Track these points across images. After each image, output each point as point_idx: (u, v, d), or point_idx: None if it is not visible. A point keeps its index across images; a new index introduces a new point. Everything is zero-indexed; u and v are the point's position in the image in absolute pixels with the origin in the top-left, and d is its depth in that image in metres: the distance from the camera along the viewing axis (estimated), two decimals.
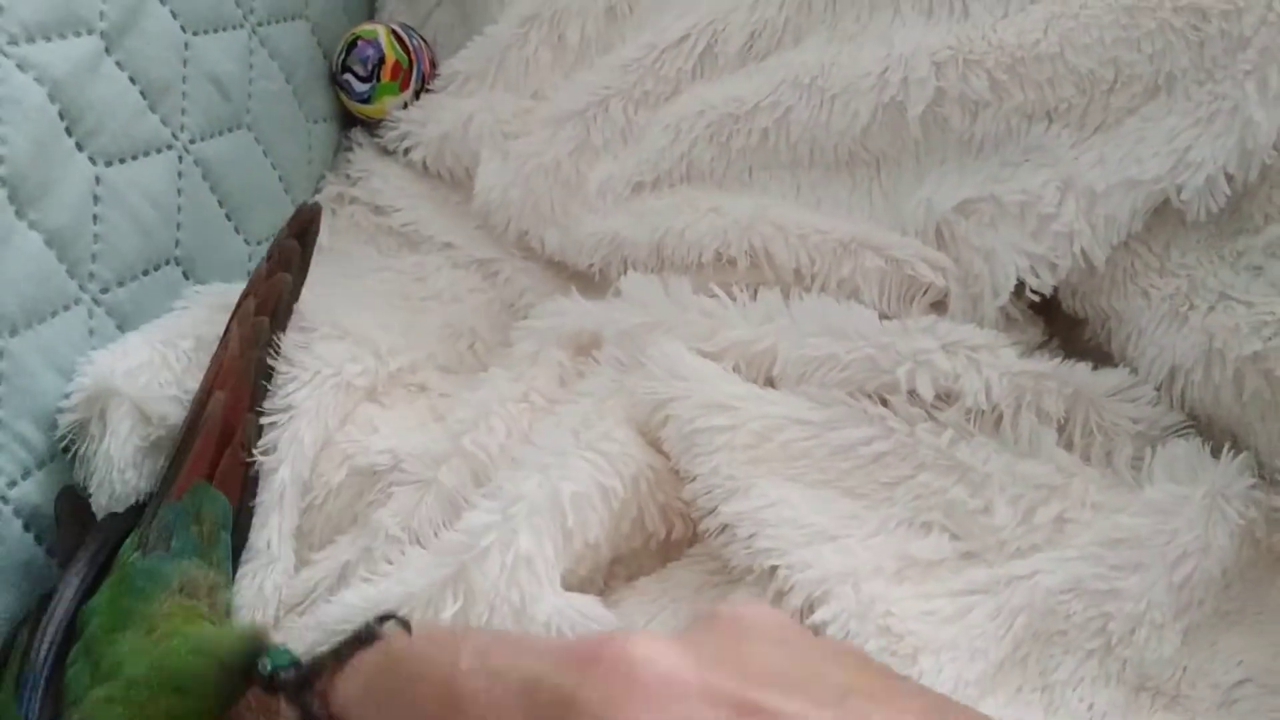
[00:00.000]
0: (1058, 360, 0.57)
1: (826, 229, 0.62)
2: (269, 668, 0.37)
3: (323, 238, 0.74)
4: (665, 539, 0.55)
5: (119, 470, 0.51)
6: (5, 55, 0.53)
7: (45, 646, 0.44)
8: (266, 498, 0.52)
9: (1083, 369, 0.57)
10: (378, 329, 0.61)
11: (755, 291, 0.61)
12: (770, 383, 0.57)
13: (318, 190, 0.78)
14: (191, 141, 0.65)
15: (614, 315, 0.61)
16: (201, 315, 0.59)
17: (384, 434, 0.57)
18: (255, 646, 0.39)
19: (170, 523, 0.48)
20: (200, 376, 0.55)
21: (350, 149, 0.81)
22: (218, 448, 0.52)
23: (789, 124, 0.63)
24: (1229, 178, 0.54)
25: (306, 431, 0.54)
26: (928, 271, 0.59)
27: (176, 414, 0.53)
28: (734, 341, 0.57)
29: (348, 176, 0.79)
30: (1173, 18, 0.55)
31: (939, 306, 0.60)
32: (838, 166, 0.64)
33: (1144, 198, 0.56)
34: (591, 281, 0.69)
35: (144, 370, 0.54)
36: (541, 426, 0.55)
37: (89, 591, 0.46)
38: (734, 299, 0.60)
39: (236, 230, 0.68)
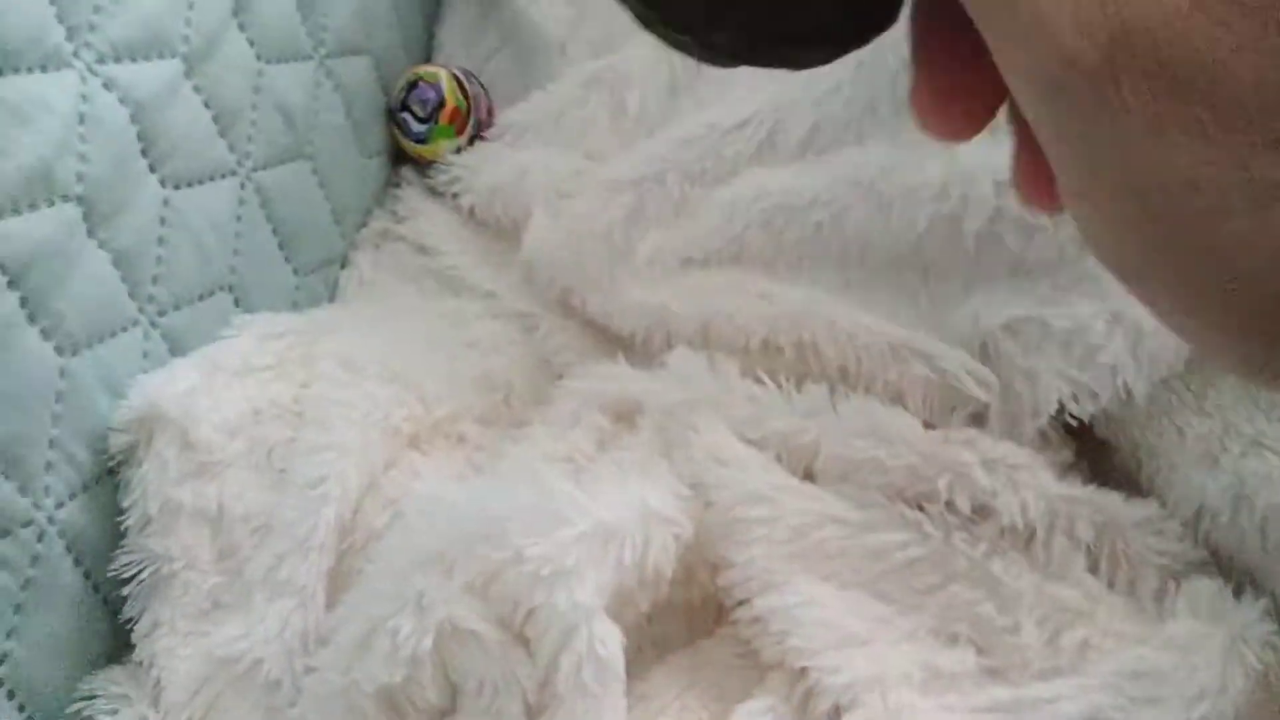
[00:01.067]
0: (1091, 486, 0.58)
1: (877, 330, 0.63)
2: None
3: (365, 272, 0.75)
4: (693, 605, 0.56)
5: (157, 493, 0.51)
6: (94, 74, 0.54)
7: None
8: (307, 536, 0.52)
9: (1115, 498, 0.57)
10: (424, 374, 0.61)
11: (800, 383, 0.62)
12: (810, 476, 0.58)
13: (364, 225, 0.78)
14: (254, 169, 0.65)
15: (658, 388, 0.61)
16: (249, 344, 0.59)
17: (427, 481, 0.57)
18: None
19: None
20: (243, 407, 0.55)
21: (399, 186, 0.82)
22: None
23: (845, 222, 0.64)
24: None
25: (353, 473, 0.54)
26: (973, 387, 0.60)
27: (219, 441, 0.53)
28: (778, 432, 0.58)
29: (394, 213, 0.80)
30: None
31: (978, 418, 0.61)
32: (888, 268, 0.65)
33: None
34: (630, 347, 0.70)
35: (190, 395, 0.54)
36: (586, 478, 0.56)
37: None
38: (780, 387, 0.61)
39: (287, 260, 0.68)
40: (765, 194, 0.67)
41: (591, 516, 0.48)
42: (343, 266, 0.76)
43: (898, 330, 0.62)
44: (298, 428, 0.56)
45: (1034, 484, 0.56)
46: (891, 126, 0.66)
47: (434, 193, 0.80)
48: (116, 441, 0.52)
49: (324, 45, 0.73)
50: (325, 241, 0.73)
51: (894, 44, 0.64)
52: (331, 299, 0.74)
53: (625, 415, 0.62)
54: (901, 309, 0.65)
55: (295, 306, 0.68)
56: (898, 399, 0.61)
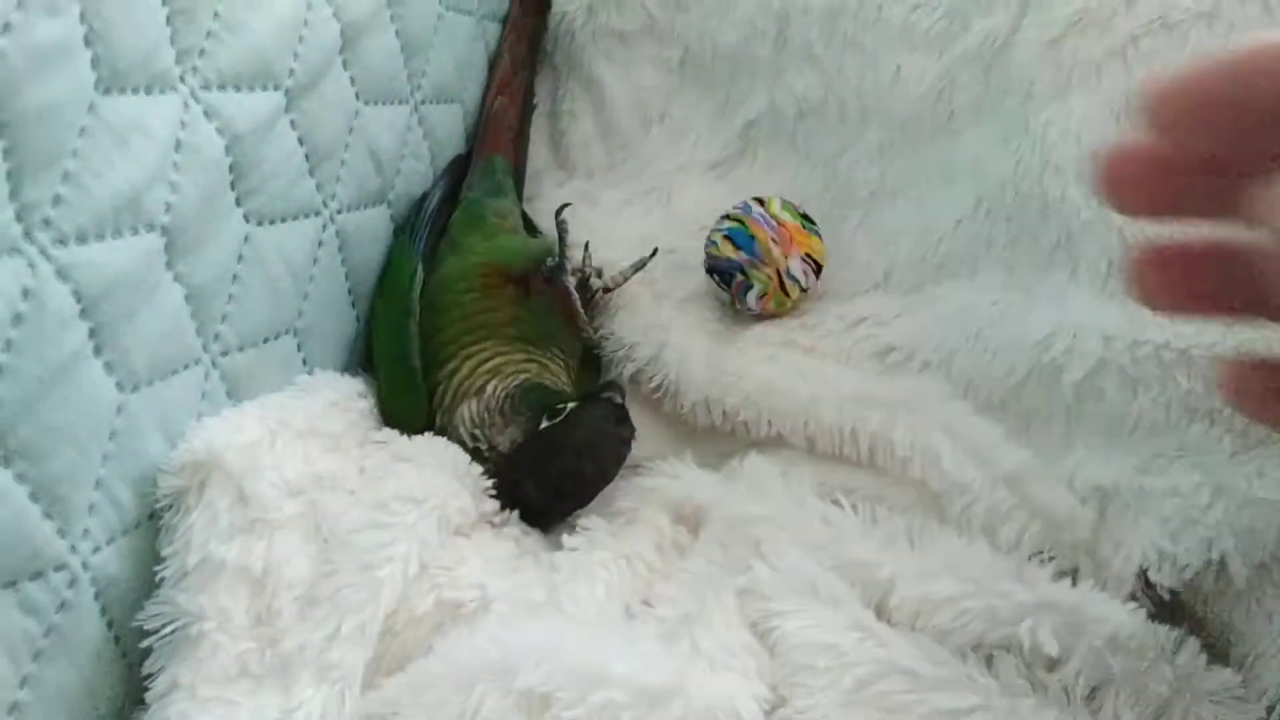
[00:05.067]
0: (1171, 642, 0.55)
1: (995, 459, 0.60)
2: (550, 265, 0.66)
3: None
4: None
5: (200, 545, 0.48)
6: (197, 100, 0.52)
7: (429, 210, 0.71)
8: (368, 621, 0.49)
9: (1196, 661, 0.54)
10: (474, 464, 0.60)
11: (875, 508, 0.59)
12: (880, 611, 0.55)
13: None
14: (339, 211, 0.63)
15: (726, 496, 0.59)
16: (317, 407, 0.57)
17: (473, 566, 0.54)
18: (549, 253, 0.67)
19: (479, 175, 0.76)
20: (303, 469, 0.53)
21: None
22: (502, 133, 0.79)
23: (951, 365, 0.64)
24: None
25: (414, 558, 0.51)
26: (1072, 532, 0.57)
27: (276, 500, 0.50)
28: (852, 563, 0.55)
29: None
30: None
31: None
32: (990, 411, 0.63)
33: None
34: (706, 441, 0.67)
35: (254, 449, 0.51)
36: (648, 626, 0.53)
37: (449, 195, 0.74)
38: (856, 510, 0.58)
39: (353, 305, 0.66)
40: (880, 328, 0.66)
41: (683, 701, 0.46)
42: None
43: (1010, 459, 0.59)
44: (352, 504, 0.53)
45: (1111, 636, 0.53)
46: (1007, 260, 0.64)
47: None
48: (166, 484, 0.49)
49: (420, 90, 0.72)
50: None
51: (1015, 180, 0.63)
52: None
53: (686, 519, 0.60)
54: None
55: (353, 355, 0.66)
56: (987, 534, 0.58)
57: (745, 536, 0.57)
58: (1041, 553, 0.58)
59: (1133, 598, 0.57)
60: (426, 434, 0.61)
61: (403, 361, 0.63)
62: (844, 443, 0.63)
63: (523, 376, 0.62)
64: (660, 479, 0.61)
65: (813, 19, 0.74)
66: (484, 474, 0.60)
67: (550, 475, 0.59)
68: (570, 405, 0.59)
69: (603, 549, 0.57)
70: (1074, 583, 0.57)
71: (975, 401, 0.63)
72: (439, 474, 0.56)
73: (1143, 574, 0.57)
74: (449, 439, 0.61)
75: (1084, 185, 0.62)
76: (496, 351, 0.63)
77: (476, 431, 0.61)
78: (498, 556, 0.56)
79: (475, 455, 0.60)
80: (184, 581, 0.48)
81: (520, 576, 0.55)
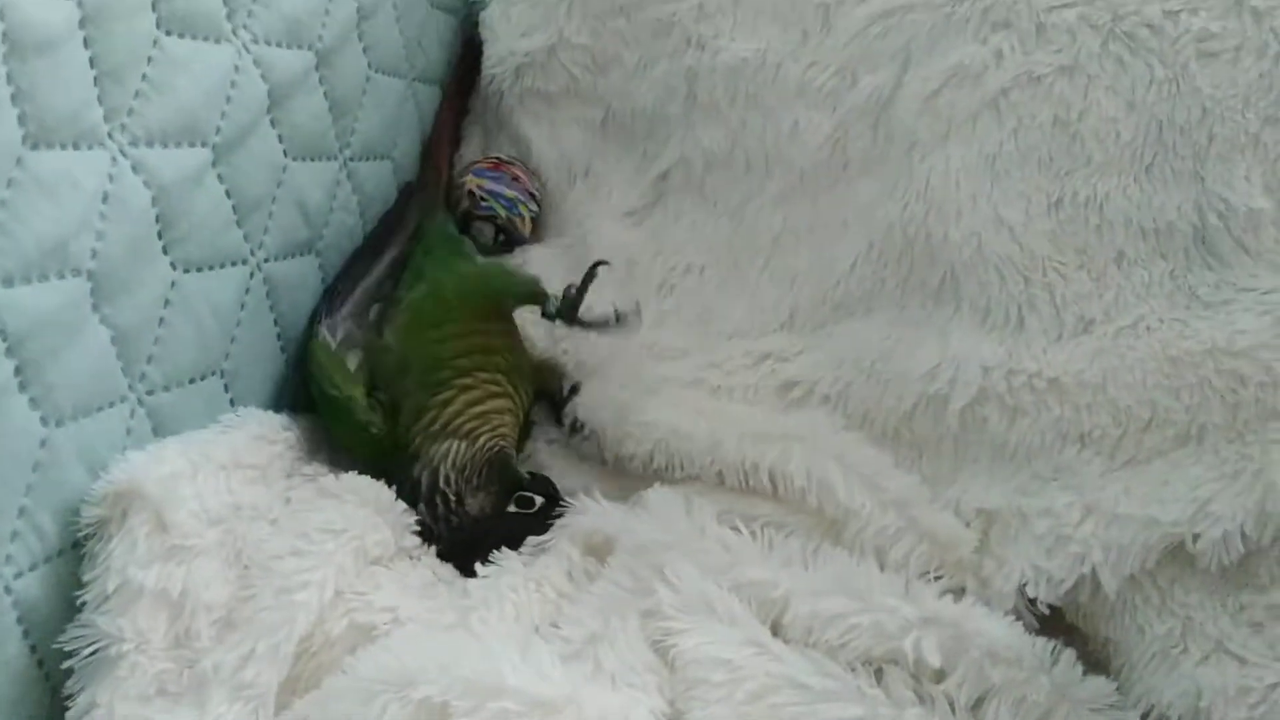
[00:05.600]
0: (1049, 654, 0.58)
1: (880, 484, 0.64)
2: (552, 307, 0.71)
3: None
4: None
5: (119, 570, 0.51)
6: (125, 155, 0.55)
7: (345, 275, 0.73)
8: (281, 642, 0.51)
9: (1073, 672, 0.57)
10: (398, 504, 0.63)
11: (775, 534, 0.62)
12: (777, 628, 0.58)
13: None
14: (266, 260, 0.67)
15: (633, 525, 0.62)
16: (241, 441, 0.59)
17: (388, 592, 0.57)
18: (531, 288, 0.72)
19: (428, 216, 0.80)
20: (227, 497, 0.56)
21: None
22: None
23: (848, 398, 0.69)
24: (1245, 536, 0.56)
25: (329, 584, 0.54)
26: (954, 554, 0.61)
27: (195, 528, 0.53)
28: (750, 582, 0.58)
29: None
30: (1214, 376, 0.59)
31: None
32: (885, 440, 0.67)
33: (1159, 537, 0.58)
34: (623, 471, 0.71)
35: (174, 480, 0.54)
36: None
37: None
38: (755, 536, 0.62)
39: (282, 350, 0.69)
40: (781, 365, 0.71)
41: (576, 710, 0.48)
42: None
43: (897, 485, 0.63)
44: (273, 533, 0.56)
45: (991, 649, 0.56)
46: (898, 299, 0.69)
47: None
48: (89, 514, 0.52)
49: (349, 147, 0.75)
50: None
51: (903, 224, 0.68)
52: None
53: (595, 550, 0.63)
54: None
55: (282, 397, 0.69)
56: (878, 555, 0.62)
57: (650, 563, 0.60)
58: (928, 572, 0.61)
59: (1016, 614, 0.60)
60: (353, 472, 0.64)
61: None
62: (747, 476, 0.66)
63: (503, 443, 0.66)
64: (570, 514, 0.64)
65: (718, 78, 0.79)
66: (409, 511, 0.63)
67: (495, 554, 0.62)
68: (538, 501, 0.65)
69: (513, 574, 0.59)
70: (958, 600, 0.60)
71: (870, 432, 0.67)
72: (361, 508, 0.60)
73: (1023, 590, 0.60)
74: (415, 458, 0.64)
75: (964, 227, 0.67)
76: (488, 390, 0.67)
77: (453, 475, 0.64)
78: (412, 584, 0.59)
79: (430, 490, 0.63)
80: (104, 605, 0.51)
81: (433, 602, 0.58)
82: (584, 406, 0.72)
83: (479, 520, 0.63)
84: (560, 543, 0.62)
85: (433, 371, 0.67)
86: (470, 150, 0.91)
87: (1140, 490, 0.59)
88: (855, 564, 0.61)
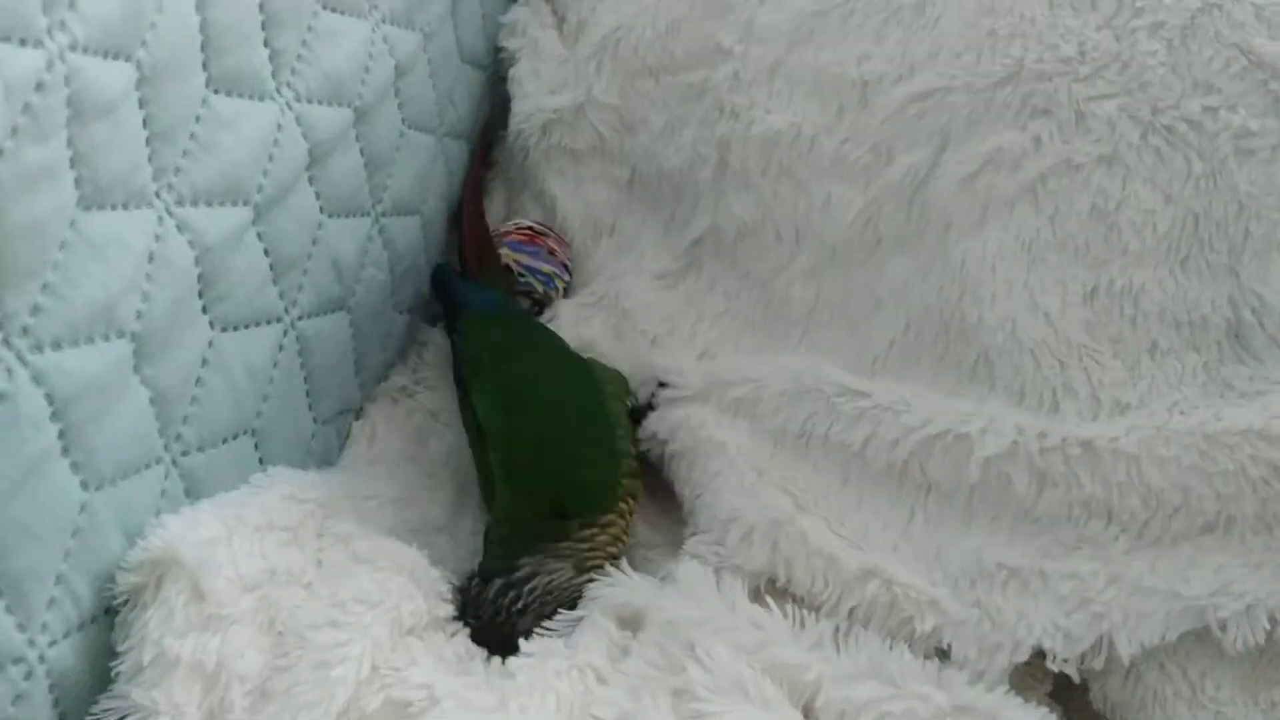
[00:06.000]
0: None
1: (844, 560, 0.64)
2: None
3: (378, 428, 0.76)
4: None
5: (155, 641, 0.50)
6: (170, 215, 0.55)
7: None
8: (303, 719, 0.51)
9: None
10: (432, 570, 0.62)
11: (801, 614, 0.62)
12: (808, 712, 0.57)
13: (384, 378, 0.79)
14: (299, 318, 0.66)
15: (662, 600, 0.61)
16: (272, 502, 0.59)
17: (423, 667, 0.56)
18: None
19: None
20: (261, 562, 0.55)
21: (425, 345, 0.83)
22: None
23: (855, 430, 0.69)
24: (1272, 619, 0.57)
25: (366, 659, 0.53)
26: (930, 619, 0.62)
27: (229, 596, 0.52)
28: (781, 664, 0.58)
29: (414, 371, 0.81)
30: (1249, 463, 0.59)
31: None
32: (889, 476, 0.67)
33: (1181, 610, 0.58)
34: None
35: (210, 546, 0.53)
36: None
37: None
38: (786, 615, 0.61)
39: (310, 408, 0.69)
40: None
41: None
42: (356, 417, 0.76)
43: (868, 555, 0.64)
44: (308, 598, 0.55)
45: None
46: (931, 376, 0.70)
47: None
48: (125, 581, 0.51)
49: (381, 203, 0.75)
50: (346, 391, 0.73)
51: (938, 305, 0.68)
52: (341, 448, 0.74)
53: (628, 623, 0.62)
54: (894, 521, 0.66)
55: (310, 454, 0.68)
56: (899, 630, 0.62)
57: (680, 639, 0.59)
58: (946, 649, 0.61)
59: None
60: (387, 537, 0.63)
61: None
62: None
63: (596, 577, 0.64)
64: (602, 586, 0.63)
65: (751, 148, 0.79)
66: (443, 578, 0.63)
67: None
68: None
69: (558, 658, 0.58)
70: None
71: (876, 468, 0.68)
72: (396, 576, 0.59)
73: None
74: (559, 558, 0.63)
75: (999, 311, 0.68)
76: (623, 527, 0.67)
77: (538, 595, 0.62)
78: (448, 657, 0.58)
79: (511, 596, 0.61)
80: (139, 676, 0.50)
81: (469, 678, 0.57)
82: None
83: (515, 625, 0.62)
84: (595, 616, 0.61)
85: (620, 464, 0.68)
86: (494, 206, 0.91)
87: (1165, 568, 0.59)
88: (887, 648, 0.61)
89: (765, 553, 0.65)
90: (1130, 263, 0.65)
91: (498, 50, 0.93)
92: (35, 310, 0.47)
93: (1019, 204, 0.69)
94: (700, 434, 0.71)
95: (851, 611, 0.63)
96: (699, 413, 0.72)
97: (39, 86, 0.45)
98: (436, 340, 0.83)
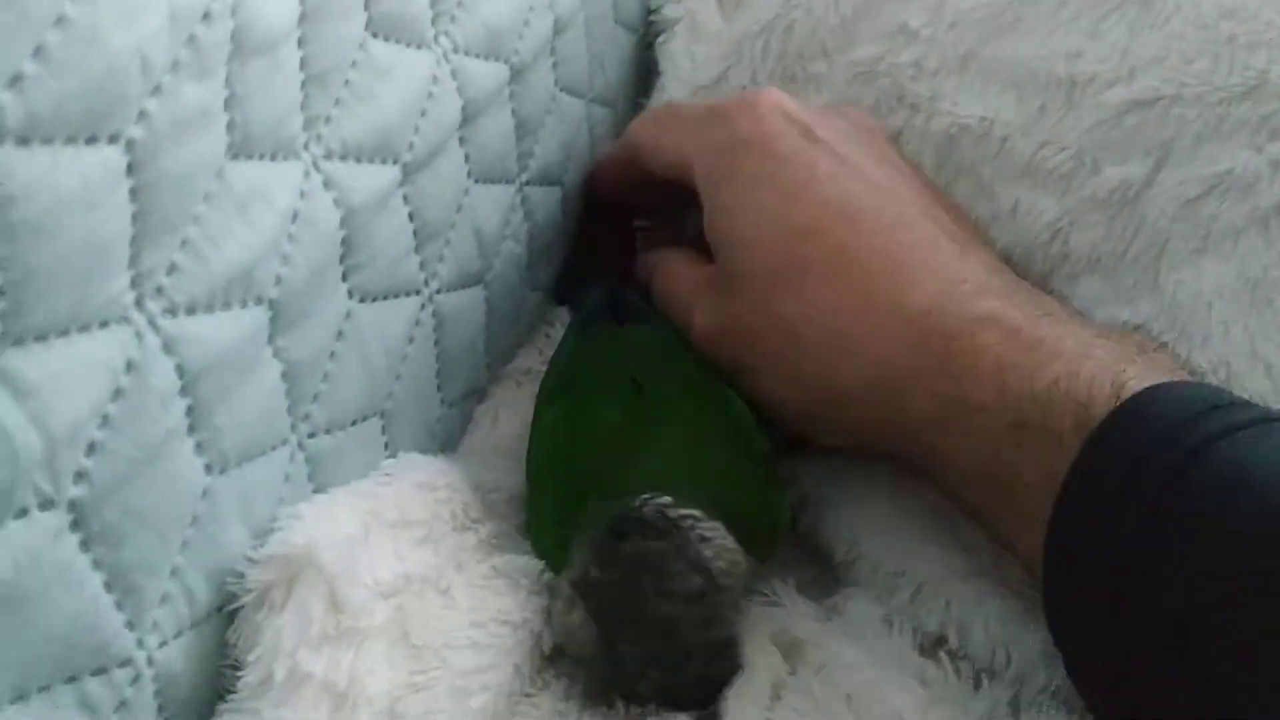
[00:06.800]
0: None
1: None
2: None
3: (501, 411, 0.70)
4: None
5: (289, 653, 0.44)
6: (318, 169, 0.49)
7: None
8: None
9: None
10: None
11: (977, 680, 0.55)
12: None
13: (511, 359, 0.73)
14: (438, 291, 0.60)
15: (824, 635, 0.55)
16: (405, 492, 0.53)
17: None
18: None
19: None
20: (397, 565, 0.49)
21: (553, 325, 0.77)
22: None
23: None
24: None
25: (505, 692, 0.48)
26: None
27: (369, 607, 0.47)
28: None
29: (541, 353, 0.75)
30: None
31: None
32: None
33: None
34: None
35: (349, 546, 0.47)
36: None
37: None
38: (959, 674, 0.55)
39: (439, 389, 0.63)
40: None
41: None
42: (480, 400, 0.70)
43: None
44: (445, 607, 0.50)
45: None
46: None
47: None
48: (255, 576, 0.45)
49: (527, 171, 0.69)
50: (474, 373, 0.68)
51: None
52: (462, 433, 0.68)
53: (783, 648, 0.56)
54: None
55: (433, 439, 0.63)
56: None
57: (838, 687, 0.53)
58: None
59: None
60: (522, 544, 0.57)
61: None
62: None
63: None
64: (762, 605, 0.57)
65: (929, 142, 0.72)
66: None
67: None
68: None
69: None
70: None
71: None
72: (535, 595, 0.53)
73: None
74: None
75: (1210, 354, 0.60)
76: None
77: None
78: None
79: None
80: (267, 692, 0.44)
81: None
82: None
83: None
84: (761, 640, 0.54)
85: None
86: None
87: None
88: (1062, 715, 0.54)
89: (937, 613, 0.57)
90: None
91: (649, 13, 0.86)
92: (172, 269, 0.41)
93: (1245, 235, 0.61)
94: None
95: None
96: None
97: (206, 16, 0.39)
98: (564, 320, 0.77)
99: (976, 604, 0.57)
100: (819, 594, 0.60)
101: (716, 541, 0.46)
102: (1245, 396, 0.58)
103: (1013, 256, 0.69)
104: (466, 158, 0.62)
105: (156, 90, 0.38)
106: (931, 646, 0.57)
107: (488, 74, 0.62)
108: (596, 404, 0.57)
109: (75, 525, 0.37)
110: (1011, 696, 0.54)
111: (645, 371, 0.59)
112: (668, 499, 0.47)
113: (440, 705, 0.46)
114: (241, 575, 0.45)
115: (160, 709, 0.43)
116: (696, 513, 0.47)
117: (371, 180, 0.53)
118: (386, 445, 0.58)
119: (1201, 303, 0.61)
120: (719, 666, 0.46)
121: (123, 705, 0.41)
